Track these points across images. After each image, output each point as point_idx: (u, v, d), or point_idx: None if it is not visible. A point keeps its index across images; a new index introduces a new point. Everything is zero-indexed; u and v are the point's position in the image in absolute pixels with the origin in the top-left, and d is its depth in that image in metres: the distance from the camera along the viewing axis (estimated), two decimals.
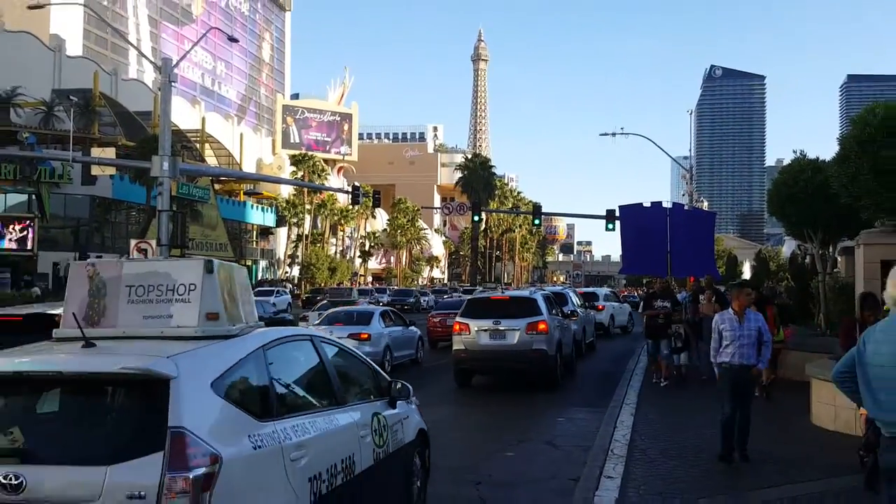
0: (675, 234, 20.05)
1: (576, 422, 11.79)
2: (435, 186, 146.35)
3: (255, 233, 78.18)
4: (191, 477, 3.79)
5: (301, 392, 5.20)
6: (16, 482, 3.78)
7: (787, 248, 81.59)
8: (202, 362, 4.29)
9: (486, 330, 15.24)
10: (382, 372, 6.51)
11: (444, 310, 25.51)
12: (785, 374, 13.83)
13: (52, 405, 4.17)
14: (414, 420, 6.64)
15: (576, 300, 23.11)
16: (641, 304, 16.89)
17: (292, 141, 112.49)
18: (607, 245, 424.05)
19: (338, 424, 5.22)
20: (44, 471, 3.82)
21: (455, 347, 15.65)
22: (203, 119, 75.13)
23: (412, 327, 20.42)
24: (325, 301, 34.71)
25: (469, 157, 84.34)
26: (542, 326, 15.19)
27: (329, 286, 64.52)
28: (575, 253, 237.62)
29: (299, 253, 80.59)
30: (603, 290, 33.23)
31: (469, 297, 18.66)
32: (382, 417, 5.95)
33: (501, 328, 15.21)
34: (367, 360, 6.45)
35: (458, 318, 15.88)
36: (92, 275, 4.86)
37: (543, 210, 45.60)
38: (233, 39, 38.58)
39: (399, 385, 6.29)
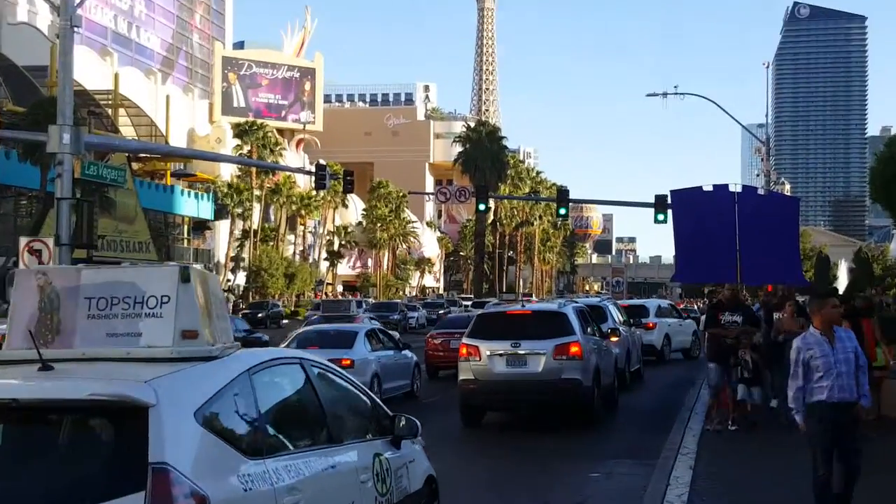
0: (746, 227, 20.07)
1: (616, 478, 11.80)
2: (427, 165, 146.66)
3: (186, 227, 78.22)
4: None
5: (293, 426, 5.69)
6: None
7: None
8: (183, 388, 4.71)
9: (501, 354, 15.47)
10: (383, 405, 6.99)
11: (447, 329, 26.22)
12: (891, 411, 13.85)
13: (10, 439, 4.58)
14: (422, 465, 7.09)
15: (617, 316, 23.51)
16: (703, 319, 17.49)
17: (236, 105, 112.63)
18: (657, 242, 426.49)
19: (335, 466, 5.69)
20: None
21: (461, 377, 15.87)
22: (116, 76, 75.14)
23: (406, 351, 21.12)
24: (315, 316, 35.94)
25: (472, 125, 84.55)
26: (574, 349, 15.41)
27: (283, 297, 64.61)
28: (613, 253, 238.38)
29: (245, 254, 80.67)
30: (654, 303, 33.89)
31: (479, 311, 18.91)
32: (385, 460, 6.38)
33: (521, 352, 15.43)
34: (366, 389, 6.96)
35: (464, 340, 16.11)
36: (43, 284, 5.25)
37: (571, 196, 45.55)
38: None
39: (404, 421, 6.69)
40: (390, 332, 24.43)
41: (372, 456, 6.25)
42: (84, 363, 5.00)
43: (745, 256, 19.65)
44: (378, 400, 7.05)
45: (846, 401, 8.04)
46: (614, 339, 19.68)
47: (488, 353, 15.53)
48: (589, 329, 17.05)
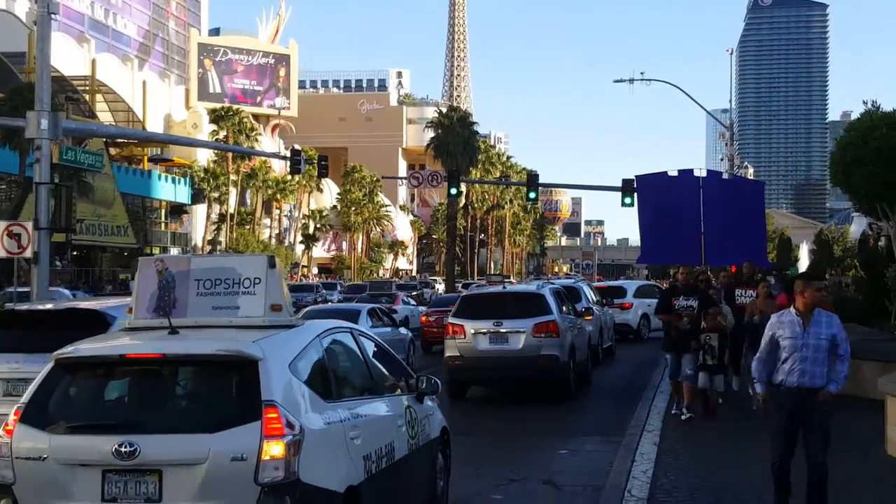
0: (710, 211, 20.25)
1: (583, 454, 11.92)
2: (400, 150, 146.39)
3: (163, 211, 77.73)
4: (284, 442, 5.65)
5: (350, 379, 7.26)
6: (130, 450, 5.59)
7: (856, 227, 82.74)
8: (278, 347, 6.19)
9: (484, 332, 16.27)
10: (408, 367, 8.54)
11: (440, 307, 27.49)
12: (849, 389, 14.02)
13: (156, 383, 6.17)
14: (438, 417, 8.62)
15: (591, 296, 24.55)
16: (657, 303, 15.96)
17: (211, 91, 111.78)
18: (624, 225, 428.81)
19: (381, 412, 7.27)
20: (155, 439, 5.66)
21: (448, 354, 16.62)
22: (94, 62, 74.40)
23: (402, 328, 22.37)
24: (364, 295, 41.60)
25: (444, 111, 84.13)
26: (552, 328, 16.21)
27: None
28: (582, 236, 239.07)
29: (222, 237, 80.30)
30: (634, 284, 33.90)
31: (464, 293, 20.31)
32: (413, 410, 7.86)
33: (503, 330, 16.24)
34: (395, 355, 8.55)
35: (450, 319, 17.01)
36: (161, 269, 6.81)
37: (541, 180, 45.69)
38: None
39: (425, 381, 8.12)
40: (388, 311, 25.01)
41: (404, 407, 7.72)
42: (198, 329, 6.53)
43: (710, 239, 19.89)
44: (404, 364, 8.56)
45: (806, 386, 7.70)
46: (588, 318, 20.34)
47: (472, 331, 16.25)
48: (565, 308, 17.75)
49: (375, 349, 7.93)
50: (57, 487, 5.72)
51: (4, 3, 78.16)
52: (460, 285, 63.08)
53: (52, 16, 23.80)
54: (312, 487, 5.80)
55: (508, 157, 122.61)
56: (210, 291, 6.71)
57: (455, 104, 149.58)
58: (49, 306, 11.69)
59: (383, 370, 7.90)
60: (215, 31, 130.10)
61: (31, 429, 5.84)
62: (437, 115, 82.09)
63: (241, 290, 6.69)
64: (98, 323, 9.83)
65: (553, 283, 21.95)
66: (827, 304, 8.36)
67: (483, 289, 23.68)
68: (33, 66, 37.78)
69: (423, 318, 27.90)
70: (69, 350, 6.25)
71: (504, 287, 20.60)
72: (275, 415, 5.70)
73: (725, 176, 25.86)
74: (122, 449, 5.60)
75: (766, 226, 21.33)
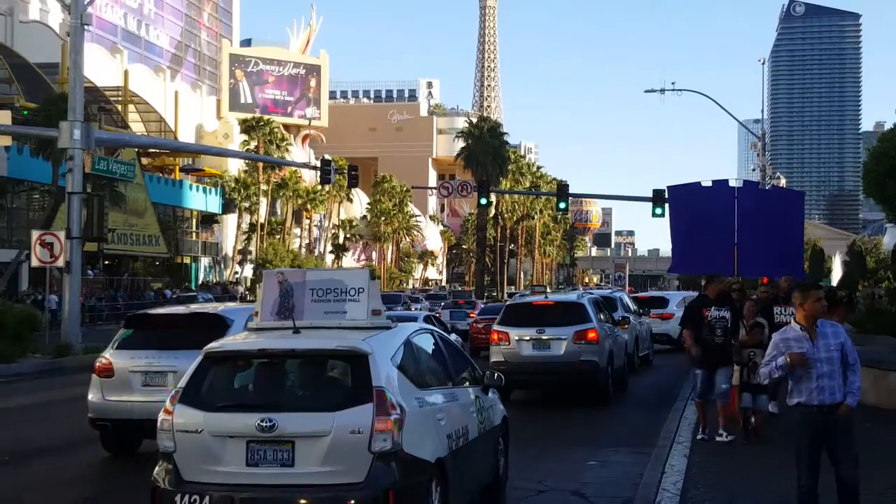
0: (745, 221, 19.84)
1: (613, 466, 11.83)
2: (430, 160, 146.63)
3: (194, 221, 78.26)
4: (391, 419, 7.02)
5: (434, 371, 8.65)
6: (269, 424, 6.96)
7: (890, 238, 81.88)
8: (382, 345, 7.63)
9: (527, 339, 17.29)
10: (475, 363, 10.02)
11: (488, 315, 28.80)
12: (883, 400, 13.84)
13: (288, 371, 7.66)
14: (499, 407, 10.00)
15: (629, 305, 25.85)
16: (684, 314, 14.54)
17: (243, 101, 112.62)
18: (655, 235, 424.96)
19: (458, 399, 8.65)
20: (289, 416, 7.04)
21: (493, 359, 17.33)
22: (126, 73, 75.15)
23: (453, 334, 22.96)
24: (449, 301, 45.78)
25: (474, 121, 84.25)
26: (591, 335, 17.19)
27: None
28: (612, 246, 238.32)
29: (252, 247, 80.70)
30: (678, 295, 34.32)
31: (509, 302, 21.66)
32: (481, 400, 9.32)
33: (545, 337, 17.25)
34: (465, 353, 10.20)
35: (495, 327, 17.99)
36: (282, 280, 8.30)
37: (571, 190, 45.53)
38: None
39: (490, 375, 9.61)
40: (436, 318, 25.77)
41: (474, 396, 9.14)
42: (315, 329, 7.94)
43: (743, 249, 19.50)
44: (472, 360, 10.04)
45: (828, 403, 7.33)
46: (624, 327, 21.30)
47: (516, 338, 17.27)
48: (602, 317, 18.69)
49: (450, 347, 9.44)
50: (209, 455, 7.07)
51: (38, 15, 79.16)
52: (506, 295, 63.49)
53: (86, 27, 24.08)
54: (411, 456, 7.19)
55: (538, 168, 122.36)
56: (322, 299, 8.21)
57: (485, 114, 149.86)
58: (180, 310, 14.11)
59: (457, 365, 9.32)
60: (247, 42, 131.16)
61: (188, 408, 7.22)
62: (467, 125, 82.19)
63: (347, 298, 8.21)
64: (219, 325, 11.80)
65: (592, 293, 22.96)
66: (824, 313, 7.73)
67: (526, 298, 24.43)
68: (66, 77, 38.21)
69: (472, 326, 29.97)
70: (217, 345, 7.73)
71: (546, 296, 21.40)
72: (383, 397, 7.11)
73: (762, 186, 25.49)
74: (264, 424, 6.97)
75: (803, 237, 20.92)
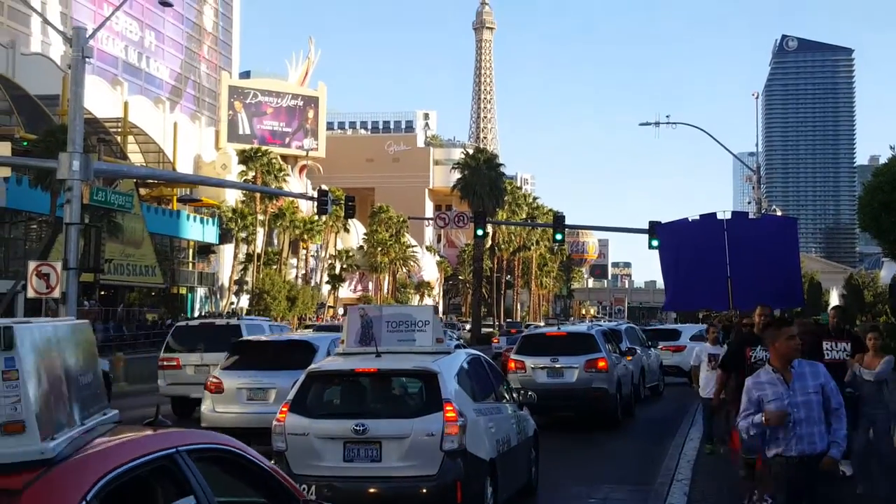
0: (737, 252, 19.76)
1: (611, 502, 11.74)
2: (426, 191, 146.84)
3: (191, 251, 78.22)
4: (458, 425, 8.76)
5: (482, 387, 10.39)
6: (362, 428, 8.76)
7: (887, 272, 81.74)
8: (447, 365, 9.56)
9: (542, 367, 18.65)
10: (510, 384, 12.42)
11: (507, 345, 32.20)
12: None
13: (374, 386, 9.74)
14: (531, 422, 11.85)
15: (640, 336, 26.87)
16: (724, 355, 12.03)
17: (241, 132, 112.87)
18: (651, 267, 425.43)
19: (502, 412, 10.51)
20: (377, 422, 8.91)
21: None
22: (126, 104, 75.35)
23: None
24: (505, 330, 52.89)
25: (470, 152, 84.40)
26: (601, 364, 18.55)
27: (285, 320, 64.44)
28: (609, 278, 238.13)
29: (249, 277, 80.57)
30: (692, 328, 33.40)
31: (525, 333, 23.44)
32: (518, 414, 11.16)
33: (559, 366, 18.60)
34: (503, 375, 12.61)
35: (512, 356, 19.39)
36: (363, 314, 10.47)
37: (568, 222, 45.61)
38: (165, 3, 38.79)
39: (524, 394, 11.70)
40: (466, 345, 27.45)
41: (512, 410, 11.01)
42: (392, 354, 9.95)
43: (737, 282, 19.31)
44: (508, 379, 12.60)
45: (807, 454, 6.50)
46: (629, 358, 22.25)
47: (532, 366, 18.66)
48: (611, 348, 20.07)
49: (493, 369, 11.39)
50: (314, 453, 8.81)
51: (40, 47, 79.49)
52: (524, 327, 64.24)
53: (87, 60, 24.11)
54: (472, 455, 8.95)
55: (535, 199, 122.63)
56: (396, 329, 10.28)
57: (482, 145, 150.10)
58: (276, 338, 17.41)
59: (498, 384, 11.24)
60: (246, 74, 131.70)
61: (296, 415, 8.99)
62: (463, 156, 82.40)
63: (416, 329, 10.31)
64: (309, 349, 14.50)
65: (601, 326, 24.45)
66: (798, 353, 6.79)
67: (540, 329, 26.37)
68: (66, 109, 38.31)
69: (503, 354, 31.26)
70: (317, 367, 9.95)
71: (559, 328, 22.94)
72: (451, 408, 8.86)
73: (753, 216, 25.42)
74: (357, 428, 8.79)
75: (800, 263, 20.66)
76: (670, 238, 20.87)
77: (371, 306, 11.49)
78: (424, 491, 8.53)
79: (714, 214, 20.87)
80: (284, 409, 9.13)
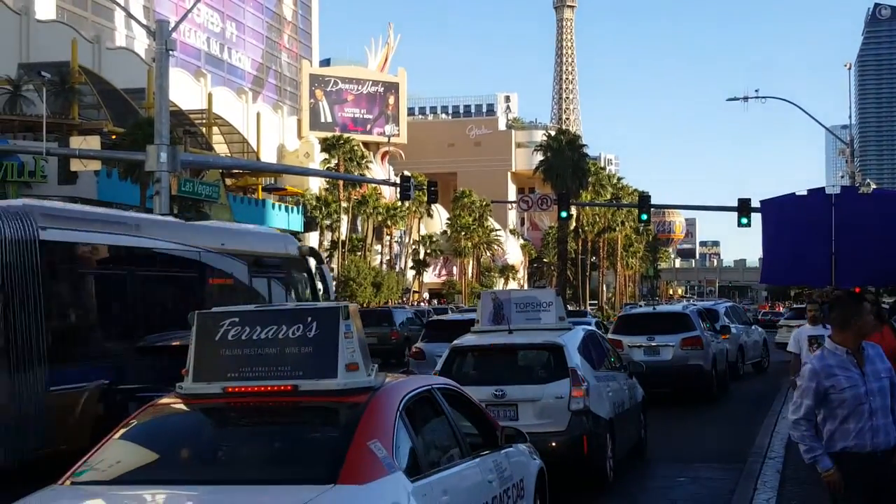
0: (844, 229, 18.90)
1: (703, 482, 11.64)
2: (509, 174, 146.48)
3: None
4: (582, 388, 10.33)
5: (601, 359, 11.87)
6: (501, 393, 10.42)
7: None
8: (571, 339, 11.19)
9: (639, 346, 19.30)
10: (620, 356, 14.07)
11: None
12: None
13: (510, 357, 11.39)
14: (639, 389, 13.29)
15: (740, 315, 27.41)
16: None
17: (323, 120, 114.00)
18: (740, 245, 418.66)
19: (617, 380, 12.00)
20: (514, 387, 10.55)
21: None
22: (210, 96, 76.64)
23: None
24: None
25: (552, 134, 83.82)
26: (696, 341, 19.27)
27: (371, 305, 64.99)
28: (697, 257, 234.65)
29: (335, 264, 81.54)
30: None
31: (622, 313, 24.60)
32: (629, 381, 12.73)
33: (655, 344, 19.35)
34: (616, 349, 14.41)
35: (609, 335, 19.41)
36: (494, 298, 12.31)
37: (653, 202, 45.09)
38: None
39: (633, 365, 13.54)
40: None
41: (626, 378, 12.64)
42: (522, 331, 11.64)
43: (842, 257, 18.54)
44: (619, 354, 14.15)
45: (882, 448, 5.69)
46: (724, 336, 22.80)
47: (629, 345, 19.14)
48: (706, 326, 20.74)
49: (607, 342, 13.23)
50: None
51: (125, 41, 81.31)
52: (626, 306, 65.43)
53: (170, 52, 24.61)
54: (595, 414, 10.44)
55: (619, 179, 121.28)
56: (523, 310, 12.04)
57: (564, 127, 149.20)
58: (458, 317, 22.71)
59: (612, 355, 12.70)
60: (326, 62, 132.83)
61: None
62: (545, 138, 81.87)
63: (541, 309, 12.06)
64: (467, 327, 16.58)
65: (696, 305, 25.20)
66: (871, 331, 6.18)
67: (637, 309, 28.01)
68: (152, 102, 39.12)
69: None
70: (459, 341, 11.57)
71: (654, 308, 24.63)
72: (576, 374, 10.44)
73: (862, 190, 24.50)
74: (497, 393, 10.38)
75: None
76: (775, 212, 20.29)
77: (501, 290, 13.61)
78: (554, 444, 9.75)
79: (822, 189, 20.27)
80: (435, 375, 10.16)
